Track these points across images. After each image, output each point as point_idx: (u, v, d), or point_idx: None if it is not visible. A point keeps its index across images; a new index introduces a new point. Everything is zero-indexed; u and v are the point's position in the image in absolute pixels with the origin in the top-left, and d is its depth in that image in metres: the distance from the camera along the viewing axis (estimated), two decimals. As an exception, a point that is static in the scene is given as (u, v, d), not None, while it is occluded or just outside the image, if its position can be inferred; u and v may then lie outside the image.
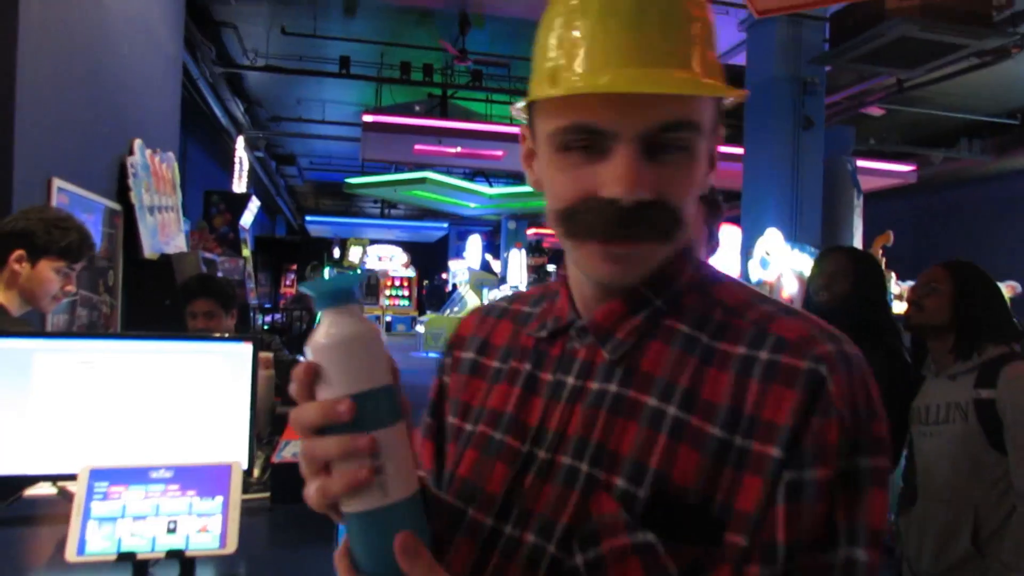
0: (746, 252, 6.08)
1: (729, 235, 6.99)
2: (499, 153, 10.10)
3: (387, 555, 0.56)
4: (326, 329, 0.58)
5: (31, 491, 1.78)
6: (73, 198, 3.09)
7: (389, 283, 22.74)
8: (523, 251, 13.53)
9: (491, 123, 10.13)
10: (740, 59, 6.71)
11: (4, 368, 1.52)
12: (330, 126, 11.76)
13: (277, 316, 11.75)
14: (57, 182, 2.94)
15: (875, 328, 2.21)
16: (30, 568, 1.43)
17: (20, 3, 2.60)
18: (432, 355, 15.75)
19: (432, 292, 20.76)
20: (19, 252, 1.91)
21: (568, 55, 0.62)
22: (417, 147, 9.80)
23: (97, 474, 1.25)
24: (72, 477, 1.58)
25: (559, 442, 0.66)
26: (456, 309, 17.05)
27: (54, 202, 2.88)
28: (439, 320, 16.61)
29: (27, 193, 2.68)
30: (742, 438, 0.59)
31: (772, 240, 5.49)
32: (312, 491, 0.57)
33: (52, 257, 1.95)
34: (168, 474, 1.27)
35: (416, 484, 0.59)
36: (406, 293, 22.70)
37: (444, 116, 9.97)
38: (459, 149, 9.94)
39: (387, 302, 22.50)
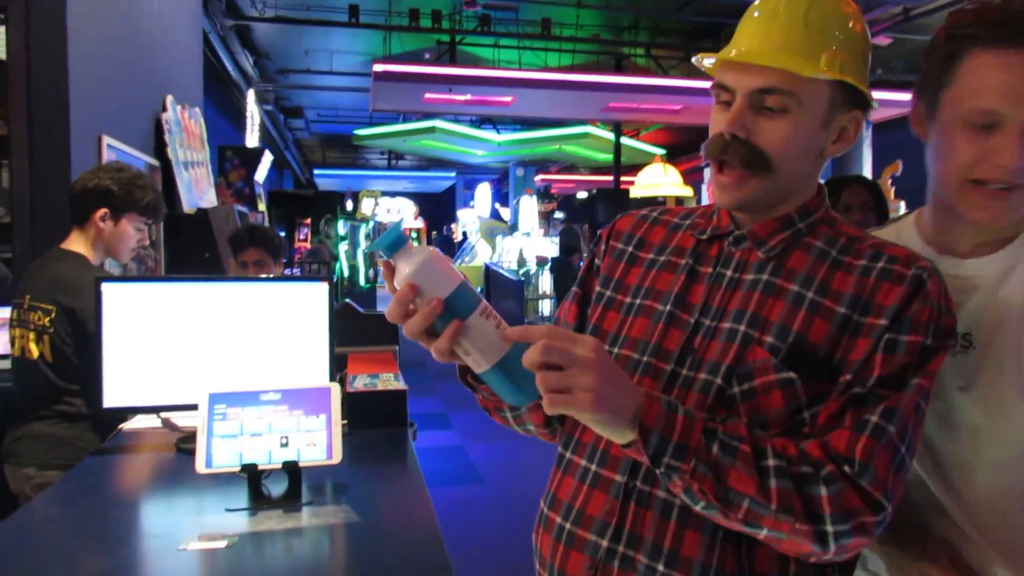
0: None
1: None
2: (508, 99, 10.07)
3: (515, 390, 0.80)
4: (402, 267, 0.79)
5: (128, 425, 1.95)
6: (119, 154, 3.20)
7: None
8: (533, 197, 13.56)
9: (501, 68, 10.07)
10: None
11: (110, 310, 1.67)
12: (338, 77, 11.70)
13: (294, 270, 11.93)
14: (106, 139, 3.05)
15: None
16: (158, 482, 1.60)
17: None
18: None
19: (441, 243, 20.85)
20: (104, 210, 2.04)
21: (736, 35, 0.94)
22: (427, 95, 9.78)
23: (216, 397, 1.41)
24: (174, 408, 1.75)
25: (722, 314, 0.91)
26: (467, 259, 17.16)
27: (103, 158, 2.99)
28: (451, 270, 16.71)
29: (81, 150, 2.79)
30: (859, 315, 0.86)
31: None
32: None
33: (133, 214, 2.08)
34: (277, 396, 1.43)
35: (504, 350, 0.79)
36: (416, 243, 22.84)
37: (453, 63, 9.92)
38: (469, 96, 9.91)
39: (398, 253, 22.64)
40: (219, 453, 1.38)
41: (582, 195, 19.91)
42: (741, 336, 0.88)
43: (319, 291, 1.79)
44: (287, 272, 11.35)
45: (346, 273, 12.76)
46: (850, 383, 0.84)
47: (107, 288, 1.69)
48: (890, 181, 6.48)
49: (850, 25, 0.91)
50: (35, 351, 1.95)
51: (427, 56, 10.77)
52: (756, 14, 0.92)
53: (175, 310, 1.72)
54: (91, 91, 2.92)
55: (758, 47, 0.89)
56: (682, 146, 15.62)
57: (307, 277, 1.99)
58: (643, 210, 1.11)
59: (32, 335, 1.95)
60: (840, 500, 0.78)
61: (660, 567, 0.86)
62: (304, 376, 1.76)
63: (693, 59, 0.97)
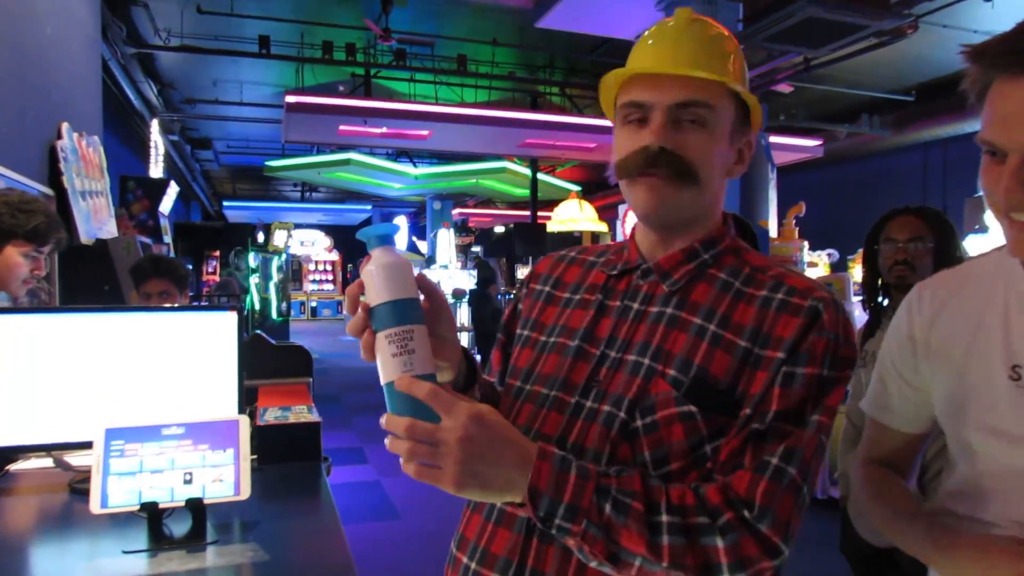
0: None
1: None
2: (425, 133, 10.09)
3: (420, 408, 0.79)
4: (375, 260, 0.82)
5: (16, 466, 1.82)
6: (7, 183, 3.03)
7: (312, 267, 22.37)
8: (451, 231, 13.57)
9: (417, 102, 10.10)
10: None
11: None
12: (248, 108, 11.42)
13: (203, 303, 11.46)
14: (-6, 166, 2.88)
15: None
16: (50, 524, 1.49)
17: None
18: (362, 338, 15.63)
19: (357, 276, 20.51)
20: None
21: (632, 59, 0.97)
22: (342, 128, 9.68)
23: (113, 433, 1.33)
24: (68, 446, 1.64)
25: (627, 346, 0.93)
26: (384, 291, 16.92)
27: (-9, 187, 2.82)
28: (367, 303, 16.48)
29: (-34, 178, 2.63)
30: (759, 348, 0.88)
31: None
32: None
33: (18, 241, 1.95)
34: (180, 430, 1.37)
35: (434, 370, 0.82)
36: (331, 277, 22.40)
37: (368, 96, 9.88)
38: (385, 129, 9.87)
39: (312, 287, 22.16)
40: (116, 492, 1.30)
41: (499, 229, 20.03)
42: (645, 369, 0.90)
43: (227, 320, 1.73)
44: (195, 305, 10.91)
45: (257, 306, 12.38)
46: (749, 417, 0.85)
47: (-8, 320, 1.58)
48: (794, 222, 6.84)
49: (738, 48, 0.97)
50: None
51: (341, 88, 10.69)
52: (651, 42, 0.96)
53: (70, 343, 1.62)
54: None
55: (670, 63, 0.92)
56: (597, 183, 16.03)
57: (214, 306, 1.92)
58: (563, 251, 1.15)
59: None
60: (737, 549, 0.79)
61: None
62: (212, 409, 1.68)
63: (603, 79, 0.99)
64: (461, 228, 14.83)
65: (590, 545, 0.78)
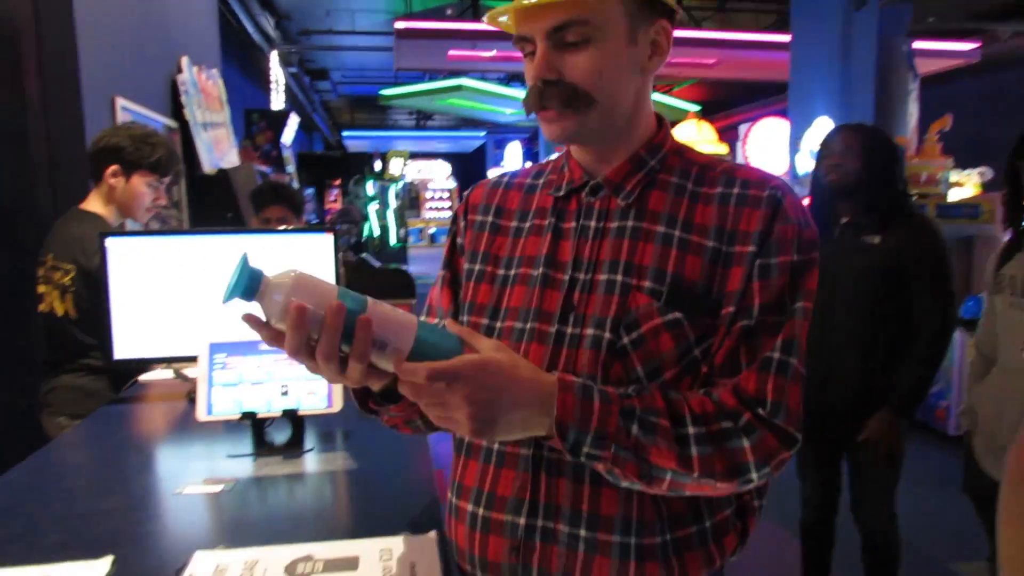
0: (794, 144, 5.95)
1: (776, 127, 6.85)
2: (535, 55, 9.85)
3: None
4: (275, 298, 0.71)
5: (145, 376, 1.99)
6: (134, 115, 3.22)
7: (430, 195, 22.83)
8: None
9: (525, 23, 9.85)
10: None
11: (122, 264, 1.69)
12: (361, 36, 11.56)
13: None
14: (120, 101, 3.06)
15: (896, 205, 2.17)
16: (166, 430, 1.63)
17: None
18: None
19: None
20: (115, 167, 2.05)
21: None
22: (451, 52, 9.62)
23: (216, 347, 1.41)
24: (182, 359, 1.77)
25: (595, 266, 0.91)
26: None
27: (118, 119, 3.01)
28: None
29: (95, 113, 2.81)
30: (727, 246, 0.87)
31: (822, 129, 5.35)
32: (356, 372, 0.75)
33: (143, 171, 2.09)
34: (276, 345, 1.43)
35: (411, 326, 0.75)
36: (448, 204, 22.79)
37: (476, 18, 9.74)
38: (494, 52, 9.73)
39: (430, 214, 22.67)
40: (219, 401, 1.39)
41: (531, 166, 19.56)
42: (620, 286, 0.88)
43: (324, 242, 1.79)
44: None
45: (376, 232, 12.82)
46: (735, 315, 0.85)
47: (112, 243, 1.70)
48: (937, 137, 6.19)
49: None
50: (60, 308, 1.98)
51: (449, 12, 10.59)
52: None
53: (180, 263, 1.72)
54: (102, 53, 2.93)
55: None
56: (717, 102, 15.23)
57: (311, 228, 2.00)
58: (494, 177, 1.10)
59: (56, 293, 1.98)
60: (761, 446, 0.82)
61: (582, 531, 0.86)
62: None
63: (484, 18, 0.94)
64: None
65: (621, 467, 0.79)
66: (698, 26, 10.52)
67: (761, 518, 0.95)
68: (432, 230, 22.07)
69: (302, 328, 0.71)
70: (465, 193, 1.09)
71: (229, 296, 0.71)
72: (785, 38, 6.31)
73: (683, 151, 0.96)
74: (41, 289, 2.02)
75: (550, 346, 0.90)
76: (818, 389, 2.21)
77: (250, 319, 0.73)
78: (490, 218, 1.03)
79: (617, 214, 0.92)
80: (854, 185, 2.16)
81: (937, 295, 2.10)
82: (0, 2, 2.63)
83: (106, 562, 0.93)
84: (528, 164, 1.02)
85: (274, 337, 0.74)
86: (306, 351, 0.73)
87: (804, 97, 5.89)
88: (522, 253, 0.97)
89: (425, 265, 13.21)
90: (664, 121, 0.98)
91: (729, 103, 15.61)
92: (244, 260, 0.70)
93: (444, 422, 0.77)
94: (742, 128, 7.32)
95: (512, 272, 0.97)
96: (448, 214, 22.69)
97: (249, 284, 0.70)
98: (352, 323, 0.71)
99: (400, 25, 8.85)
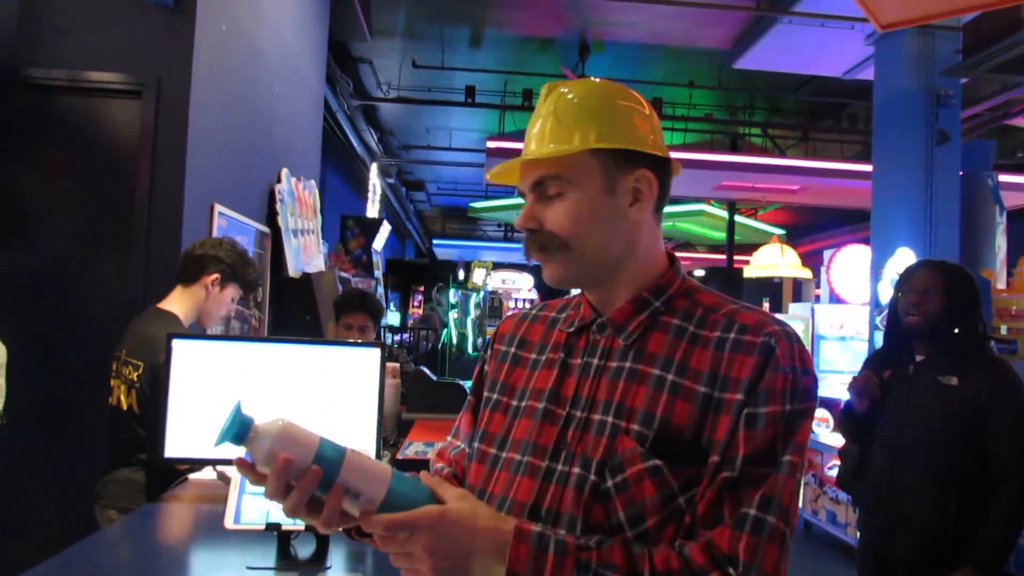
0: (876, 272, 5.80)
1: (860, 254, 6.70)
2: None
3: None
4: (263, 446, 0.77)
5: (196, 475, 2.05)
6: (230, 222, 3.47)
7: (512, 304, 23.13)
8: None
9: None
10: (868, 73, 6.45)
11: (183, 365, 1.78)
12: (456, 152, 12.23)
13: (405, 336, 12.26)
14: (218, 207, 3.32)
15: (976, 348, 2.09)
16: (196, 534, 1.66)
17: (193, 50, 2.99)
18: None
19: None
20: (216, 276, 2.22)
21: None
22: (538, 171, 10.01)
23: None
24: (221, 462, 1.82)
25: (591, 404, 0.92)
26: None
27: (214, 225, 3.25)
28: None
29: (194, 217, 3.05)
30: (718, 392, 0.86)
31: (903, 260, 5.23)
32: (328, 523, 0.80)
33: (236, 286, 2.26)
34: (309, 458, 1.46)
35: (383, 479, 0.79)
36: (528, 314, 23.00)
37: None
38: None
39: (509, 323, 22.88)
40: (248, 510, 1.42)
41: (698, 273, 19.56)
42: (610, 428, 0.89)
43: (371, 356, 1.84)
44: (399, 337, 11.69)
45: (455, 340, 13.00)
46: (719, 465, 0.84)
47: (179, 344, 1.81)
48: (1028, 271, 5.93)
49: (602, 102, 0.96)
50: (124, 403, 2.10)
51: (539, 133, 11.07)
52: (528, 128, 1.00)
53: (238, 368, 1.81)
54: (207, 163, 3.20)
55: (527, 149, 0.97)
56: (804, 226, 15.09)
57: (362, 343, 2.09)
58: (526, 309, 1.15)
59: (124, 387, 2.11)
60: None
61: None
62: (352, 440, 1.79)
63: (487, 175, 1.04)
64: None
65: None
66: (783, 154, 10.60)
67: None
68: (512, 339, 22.17)
69: (282, 477, 0.77)
70: (499, 323, 1.15)
71: (220, 440, 0.77)
72: (868, 168, 6.27)
73: (693, 292, 0.97)
74: (112, 382, 2.15)
75: (539, 481, 0.91)
76: (887, 537, 2.06)
77: (241, 464, 0.80)
78: (512, 349, 1.07)
79: (618, 354, 0.94)
80: (934, 325, 2.10)
81: (1021, 444, 1.97)
82: (128, 108, 2.96)
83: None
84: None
85: (259, 479, 0.80)
86: (283, 495, 0.79)
87: (886, 226, 5.78)
88: (533, 386, 1.00)
89: (500, 374, 13.17)
90: (676, 262, 1.00)
91: (814, 228, 15.39)
92: (237, 408, 0.77)
93: (411, 575, 0.79)
94: (826, 253, 7.19)
95: (523, 404, 1.00)
96: (529, 324, 22.82)
97: (240, 430, 0.77)
98: (331, 474, 0.77)
99: (492, 144, 9.31)
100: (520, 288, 23.48)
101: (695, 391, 0.87)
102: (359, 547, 1.52)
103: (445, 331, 12.62)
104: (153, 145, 2.95)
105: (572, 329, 1.01)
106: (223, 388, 1.79)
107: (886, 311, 2.36)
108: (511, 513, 0.91)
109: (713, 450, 0.85)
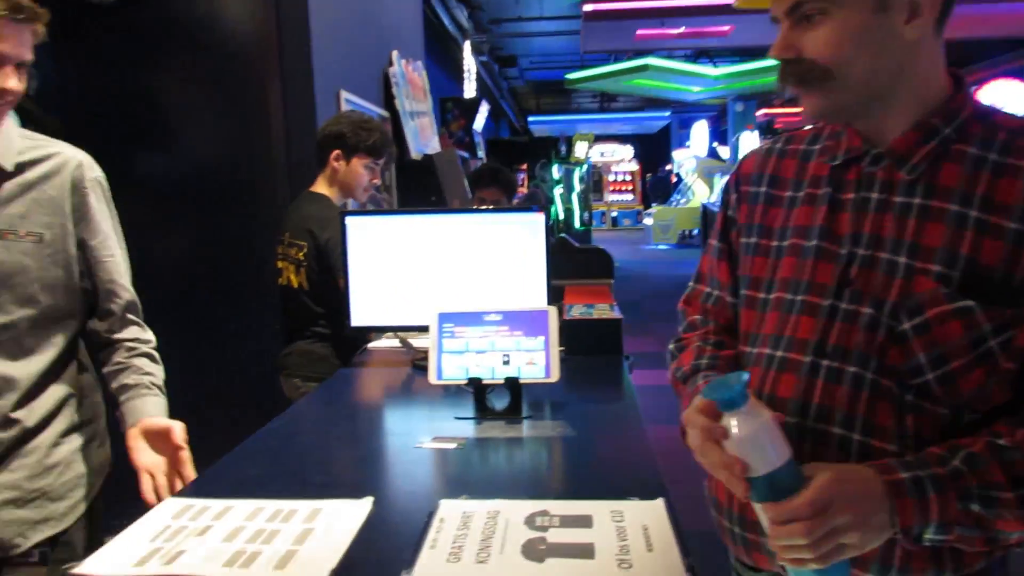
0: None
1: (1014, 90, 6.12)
2: (725, 28, 9.48)
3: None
4: (734, 428, 0.79)
5: (373, 344, 2.18)
6: (355, 106, 3.50)
7: (613, 178, 22.72)
8: (755, 133, 12.79)
9: (717, -4, 9.51)
10: None
11: (355, 241, 1.86)
12: (548, 22, 11.74)
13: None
14: (344, 94, 3.35)
15: None
16: (395, 393, 1.79)
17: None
18: (662, 247, 15.67)
19: (656, 184, 20.39)
20: (336, 152, 2.27)
21: None
22: (639, 32, 9.52)
23: (445, 317, 1.52)
24: (409, 328, 1.92)
25: (876, 241, 0.87)
26: (683, 200, 16.67)
27: (342, 110, 3.29)
28: (667, 212, 16.36)
29: (324, 104, 3.09)
30: None
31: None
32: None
33: (361, 154, 2.29)
34: (499, 317, 1.52)
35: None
36: (631, 187, 22.58)
37: (665, -5, 9.52)
38: (683, 29, 9.48)
39: (612, 197, 22.59)
40: (448, 367, 1.50)
41: (808, 128, 18.39)
42: (903, 268, 0.84)
43: (536, 220, 1.86)
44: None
45: (561, 216, 12.99)
46: None
47: (350, 221, 1.88)
48: None
49: None
50: (295, 281, 2.23)
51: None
52: None
53: (407, 240, 1.87)
54: (329, 52, 3.21)
55: None
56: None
57: (524, 208, 2.16)
58: (765, 144, 1.06)
59: (292, 267, 2.23)
60: None
61: (856, 435, 0.86)
62: (525, 301, 1.84)
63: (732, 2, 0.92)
64: (767, 130, 13.89)
65: (967, 544, 0.80)
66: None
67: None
68: (614, 213, 21.97)
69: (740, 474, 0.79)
70: (739, 161, 1.09)
71: (711, 394, 0.80)
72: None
73: (989, 114, 0.87)
74: (280, 265, 2.28)
75: (823, 319, 0.89)
76: None
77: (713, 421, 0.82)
78: (763, 188, 1.02)
79: (902, 188, 0.86)
80: None
81: None
82: (250, 15, 2.98)
83: (368, 502, 1.04)
84: (814, 127, 1.02)
85: (721, 459, 0.81)
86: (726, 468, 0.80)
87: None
88: (794, 223, 0.95)
89: (608, 248, 13.17)
90: (964, 82, 0.89)
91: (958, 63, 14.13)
92: (744, 381, 0.78)
93: (833, 555, 0.77)
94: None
95: (784, 243, 0.96)
96: (630, 197, 22.47)
97: (735, 398, 0.78)
98: (786, 482, 0.77)
99: (588, 8, 8.89)
100: (621, 159, 22.98)
101: (1005, 228, 0.79)
102: (543, 399, 1.59)
103: (552, 207, 12.61)
104: (279, 42, 2.96)
105: (837, 162, 0.93)
106: (395, 260, 1.87)
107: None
108: (791, 349, 0.91)
109: None
